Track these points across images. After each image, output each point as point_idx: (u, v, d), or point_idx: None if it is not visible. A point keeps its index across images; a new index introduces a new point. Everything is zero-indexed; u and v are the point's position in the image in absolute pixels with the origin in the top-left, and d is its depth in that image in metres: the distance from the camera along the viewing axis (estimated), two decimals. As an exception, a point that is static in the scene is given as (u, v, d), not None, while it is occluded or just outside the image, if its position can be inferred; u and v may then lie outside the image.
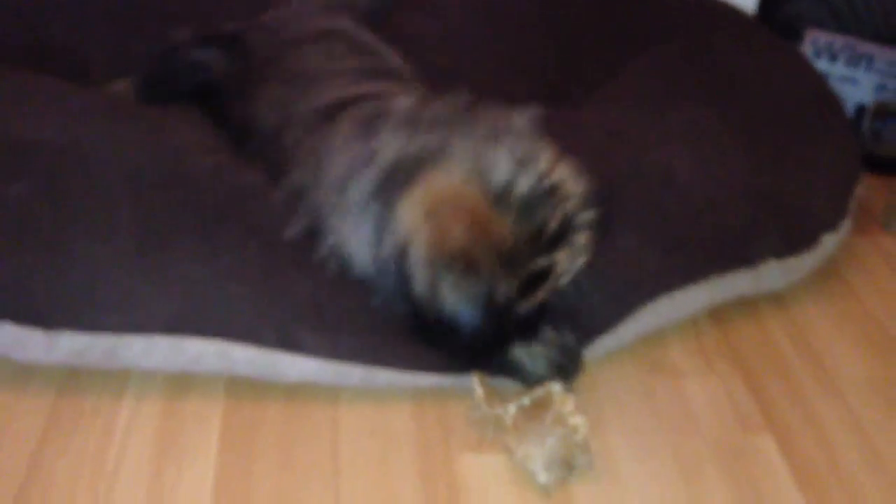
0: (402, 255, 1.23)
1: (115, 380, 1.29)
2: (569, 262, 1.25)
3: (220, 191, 1.37)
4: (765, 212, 1.54)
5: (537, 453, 1.22)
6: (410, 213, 1.22)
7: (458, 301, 1.21)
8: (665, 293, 1.43)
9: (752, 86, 1.75)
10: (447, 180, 1.21)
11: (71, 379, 1.29)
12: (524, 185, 1.21)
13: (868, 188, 1.84)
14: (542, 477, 1.20)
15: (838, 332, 1.55)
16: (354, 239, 1.30)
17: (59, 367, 1.28)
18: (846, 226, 1.63)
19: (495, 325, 1.22)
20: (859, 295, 1.64)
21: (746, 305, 1.55)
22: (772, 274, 1.52)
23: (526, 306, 1.24)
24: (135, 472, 1.17)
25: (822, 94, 1.77)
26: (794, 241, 1.54)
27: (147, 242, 1.28)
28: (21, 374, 1.29)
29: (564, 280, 1.26)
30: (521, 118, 1.30)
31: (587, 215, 1.27)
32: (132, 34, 1.83)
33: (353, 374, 1.30)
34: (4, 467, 1.16)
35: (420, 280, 1.22)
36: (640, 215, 1.47)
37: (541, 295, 1.24)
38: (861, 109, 2.03)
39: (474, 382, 1.30)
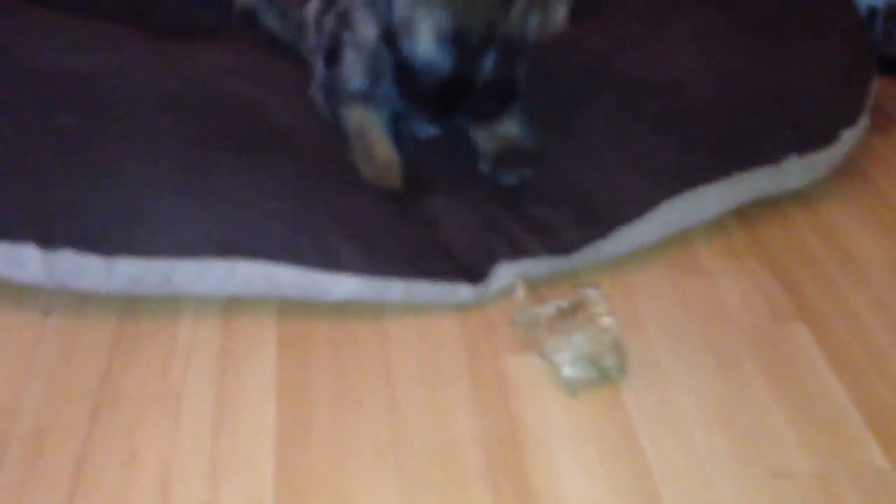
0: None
1: (171, 305, 1.33)
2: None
3: (255, 113, 1.41)
4: (780, 109, 1.57)
5: (563, 347, 1.25)
6: None
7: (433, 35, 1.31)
8: (687, 190, 1.46)
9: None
10: None
11: (128, 305, 1.33)
12: None
13: (882, 89, 1.86)
14: (567, 370, 1.23)
15: (863, 225, 1.58)
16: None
17: (115, 296, 1.32)
18: (864, 121, 1.65)
19: (467, 65, 1.32)
20: (881, 189, 1.67)
21: (772, 206, 1.58)
22: (793, 170, 1.55)
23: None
24: (200, 385, 1.22)
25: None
26: (814, 137, 1.56)
27: (191, 164, 1.32)
28: (81, 304, 1.33)
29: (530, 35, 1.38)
30: None
31: None
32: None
33: (394, 289, 1.34)
34: (78, 388, 1.21)
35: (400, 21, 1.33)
36: (653, 119, 1.52)
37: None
38: (873, 12, 2.04)
39: (518, 286, 1.34)
